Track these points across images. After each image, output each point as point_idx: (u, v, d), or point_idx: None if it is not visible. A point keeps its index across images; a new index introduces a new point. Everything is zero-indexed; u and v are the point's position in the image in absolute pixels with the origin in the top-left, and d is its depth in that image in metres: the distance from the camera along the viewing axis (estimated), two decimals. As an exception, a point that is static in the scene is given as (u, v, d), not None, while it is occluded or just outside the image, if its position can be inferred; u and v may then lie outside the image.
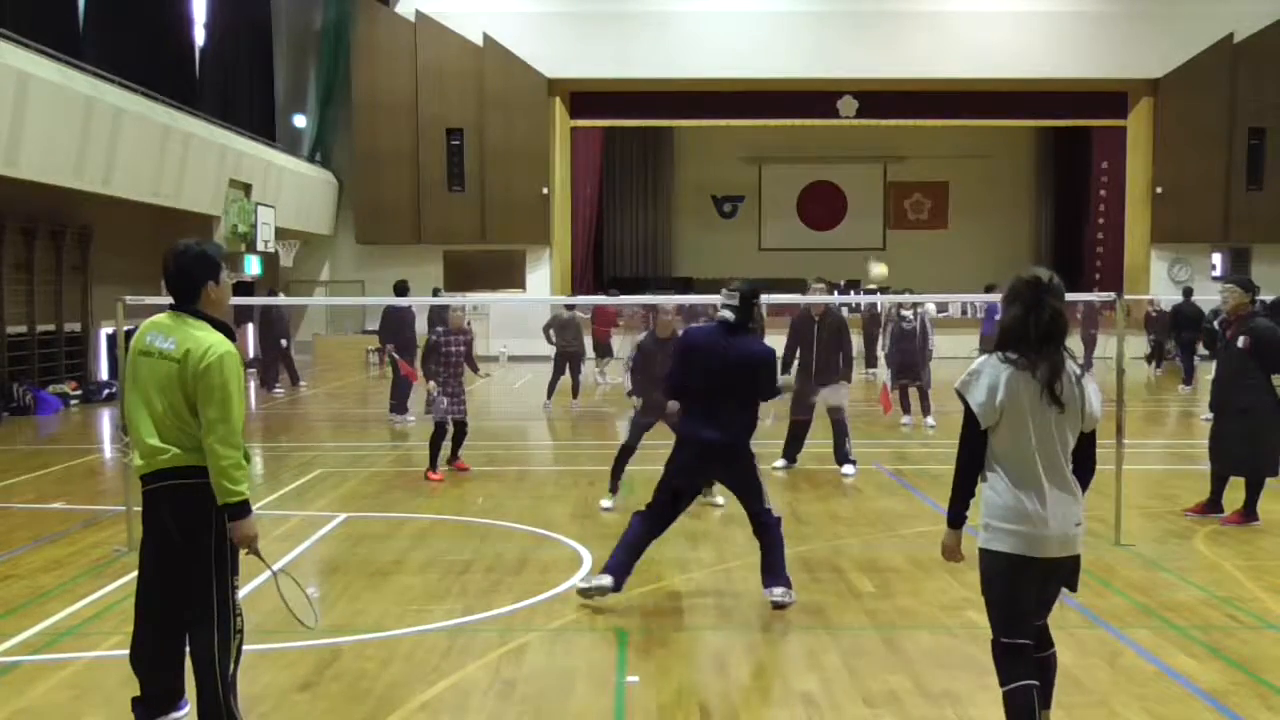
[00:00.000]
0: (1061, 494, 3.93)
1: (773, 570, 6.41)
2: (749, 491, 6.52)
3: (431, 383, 10.81)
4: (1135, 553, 7.55)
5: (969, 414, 3.97)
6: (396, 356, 15.31)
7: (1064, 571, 4.01)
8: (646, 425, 9.20)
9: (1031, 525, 3.89)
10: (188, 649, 4.38)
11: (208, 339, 4.26)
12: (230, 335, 4.37)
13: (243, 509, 4.24)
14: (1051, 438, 3.92)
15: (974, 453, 4.00)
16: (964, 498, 4.06)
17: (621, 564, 6.39)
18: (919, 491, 9.98)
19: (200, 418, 4.21)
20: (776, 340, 10.77)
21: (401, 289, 16.35)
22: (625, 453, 9.18)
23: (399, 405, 15.58)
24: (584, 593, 6.36)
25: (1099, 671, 5.28)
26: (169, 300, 4.44)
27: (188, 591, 4.31)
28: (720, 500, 9.27)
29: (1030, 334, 3.91)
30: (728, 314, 6.48)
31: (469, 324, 11.42)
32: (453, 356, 10.73)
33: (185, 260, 4.36)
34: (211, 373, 4.19)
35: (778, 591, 6.34)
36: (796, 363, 10.91)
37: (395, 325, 15.51)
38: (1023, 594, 3.98)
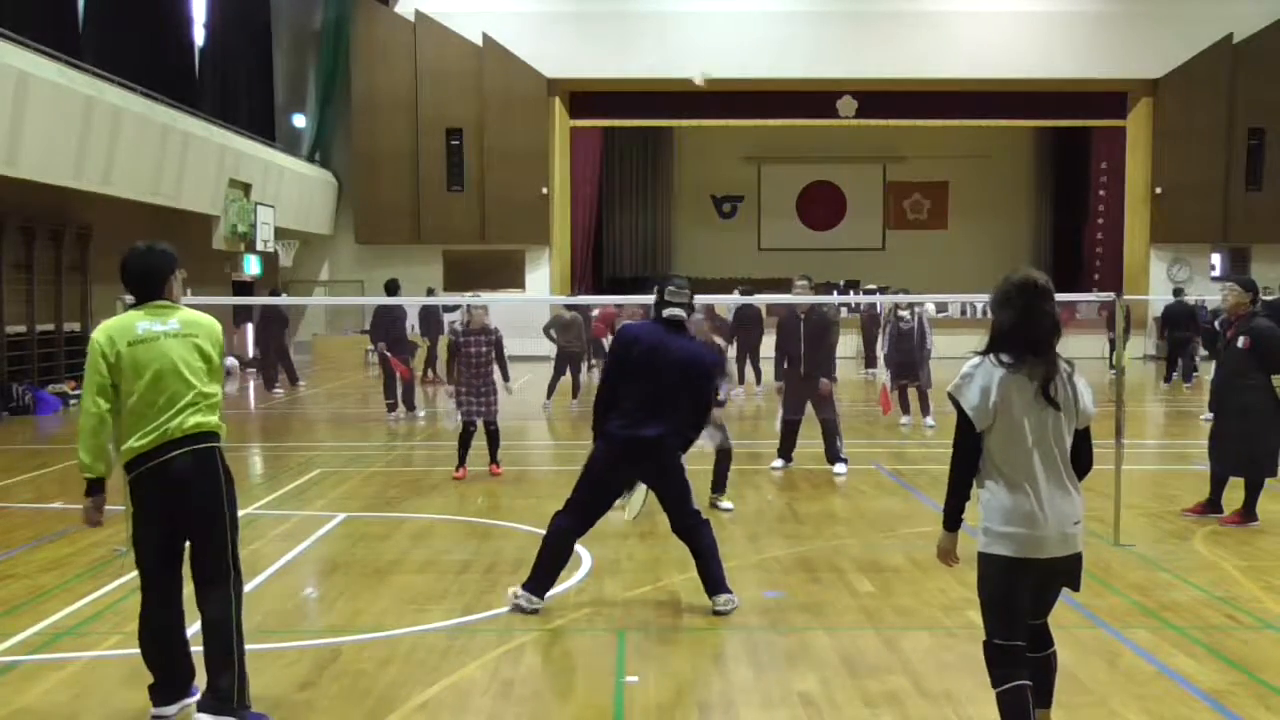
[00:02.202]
0: (1059, 493, 3.94)
1: (712, 578, 6.24)
2: (680, 493, 6.25)
3: (448, 384, 10.70)
4: (1134, 553, 7.55)
5: (962, 418, 3.97)
6: (389, 354, 15.36)
7: (1065, 571, 4.01)
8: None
9: (1029, 526, 3.89)
10: (205, 613, 4.61)
11: (200, 314, 4.80)
12: None
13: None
14: (1047, 437, 3.93)
15: (968, 456, 4.00)
16: (959, 501, 4.06)
17: (546, 584, 6.19)
18: (918, 491, 9.98)
19: (212, 376, 4.73)
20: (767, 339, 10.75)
21: (392, 287, 16.39)
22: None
23: (392, 404, 15.66)
24: (518, 610, 6.18)
25: (1098, 671, 5.28)
26: (134, 300, 4.76)
27: (209, 551, 4.60)
28: (728, 504, 9.25)
29: (1024, 338, 3.92)
30: (678, 312, 6.18)
31: (452, 321, 10.96)
32: (473, 357, 10.49)
33: (151, 259, 4.75)
34: (219, 339, 4.77)
35: (721, 599, 6.20)
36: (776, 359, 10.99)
37: (386, 323, 15.58)
38: (1019, 596, 3.98)
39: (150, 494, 4.58)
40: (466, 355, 10.52)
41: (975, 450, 3.98)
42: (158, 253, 4.75)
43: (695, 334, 9.13)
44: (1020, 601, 3.99)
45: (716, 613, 6.18)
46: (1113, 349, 21.72)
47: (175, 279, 4.78)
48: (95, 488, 4.61)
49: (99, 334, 4.64)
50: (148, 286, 4.71)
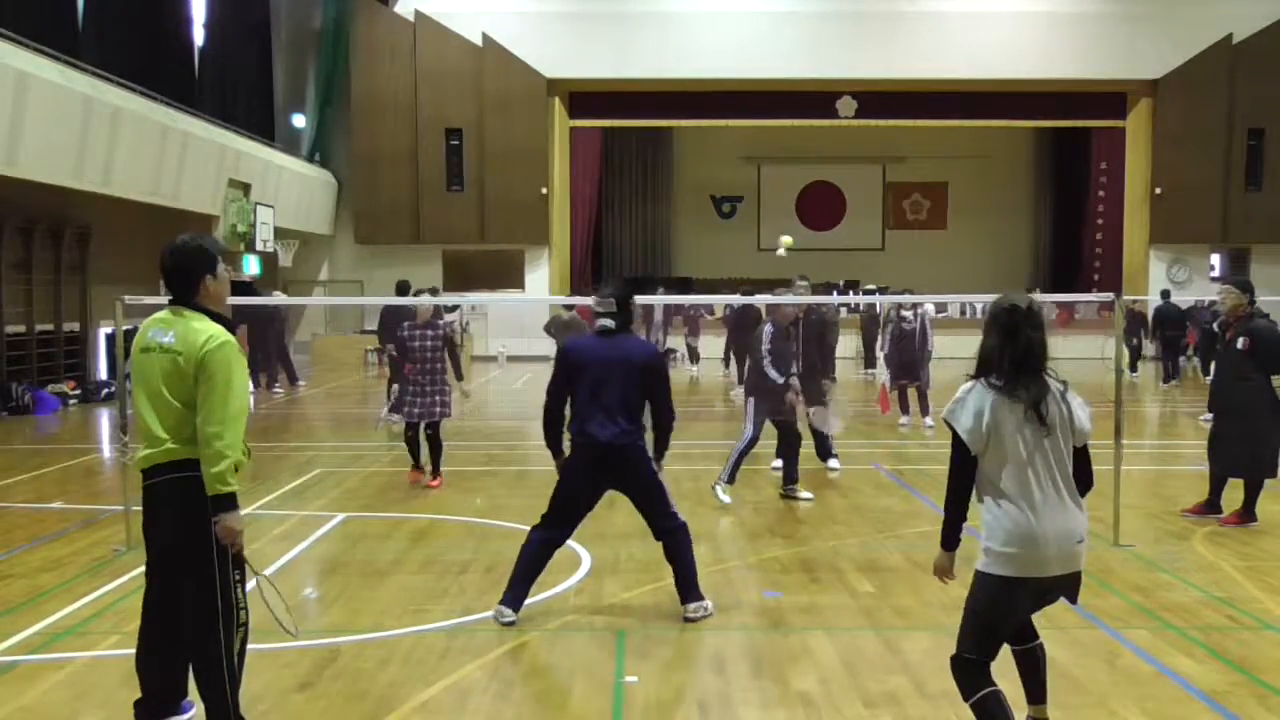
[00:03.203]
0: (1059, 512, 3.93)
1: (685, 583, 6.20)
2: (650, 496, 6.23)
3: (396, 383, 10.47)
4: (1134, 553, 7.55)
5: (957, 441, 3.99)
6: (396, 355, 15.34)
7: (1064, 586, 4.02)
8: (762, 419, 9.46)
9: (1029, 546, 3.89)
10: (193, 649, 4.33)
11: (207, 330, 4.26)
12: (230, 328, 4.38)
13: (229, 502, 4.18)
14: (1045, 457, 3.93)
15: (964, 478, 4.01)
16: (956, 523, 4.06)
17: (521, 595, 6.13)
18: (917, 491, 9.98)
19: (199, 407, 4.19)
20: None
21: (403, 289, 16.37)
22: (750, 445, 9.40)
23: (395, 405, 15.64)
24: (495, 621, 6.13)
25: (1097, 672, 5.28)
26: (168, 299, 4.45)
27: (192, 589, 4.28)
28: (808, 494, 9.46)
29: (1005, 363, 3.94)
30: (607, 322, 6.22)
31: (450, 321, 10.71)
32: (416, 353, 10.14)
33: (182, 255, 4.37)
34: (210, 361, 4.18)
35: (691, 607, 6.14)
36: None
37: (393, 325, 15.56)
38: (1008, 617, 4.00)
39: (145, 516, 4.39)
40: (411, 351, 10.21)
41: (971, 472, 4.00)
42: (189, 249, 4.37)
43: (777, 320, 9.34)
44: (1007, 624, 4.01)
45: (687, 619, 6.09)
46: (1134, 351, 21.96)
47: (213, 279, 4.37)
48: None
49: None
50: (175, 285, 4.36)
